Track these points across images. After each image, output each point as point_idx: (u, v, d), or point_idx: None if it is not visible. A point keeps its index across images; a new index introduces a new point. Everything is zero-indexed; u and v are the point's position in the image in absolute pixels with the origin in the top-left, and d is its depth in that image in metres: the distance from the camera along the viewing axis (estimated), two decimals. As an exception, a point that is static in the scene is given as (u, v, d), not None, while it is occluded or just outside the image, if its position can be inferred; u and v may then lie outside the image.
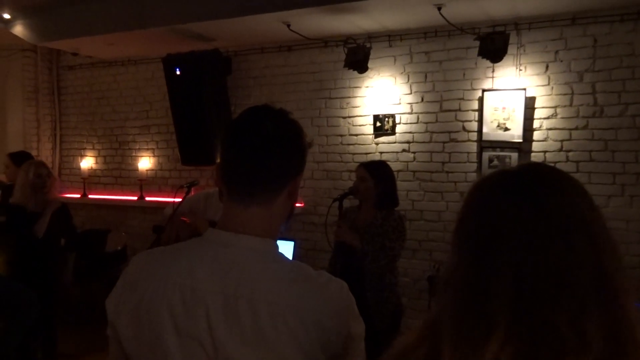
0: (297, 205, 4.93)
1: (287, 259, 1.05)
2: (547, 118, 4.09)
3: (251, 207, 1.04)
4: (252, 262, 0.99)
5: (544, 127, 4.10)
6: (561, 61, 4.03)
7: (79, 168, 6.14)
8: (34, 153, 5.90)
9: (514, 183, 0.73)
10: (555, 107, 4.07)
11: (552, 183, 0.72)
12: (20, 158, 4.33)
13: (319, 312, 0.95)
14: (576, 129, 4.01)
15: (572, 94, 4.01)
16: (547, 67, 4.07)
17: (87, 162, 6.15)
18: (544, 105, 4.10)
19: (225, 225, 1.05)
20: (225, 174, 1.07)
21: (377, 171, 3.17)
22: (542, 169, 0.76)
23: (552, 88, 4.07)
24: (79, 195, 6.07)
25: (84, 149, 6.24)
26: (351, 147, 4.78)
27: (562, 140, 4.05)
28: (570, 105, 4.02)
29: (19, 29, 5.14)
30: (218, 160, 1.11)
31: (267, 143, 1.04)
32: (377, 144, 4.67)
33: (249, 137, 1.05)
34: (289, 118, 1.10)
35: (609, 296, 0.63)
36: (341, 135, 4.83)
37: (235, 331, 0.93)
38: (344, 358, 0.98)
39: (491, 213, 0.71)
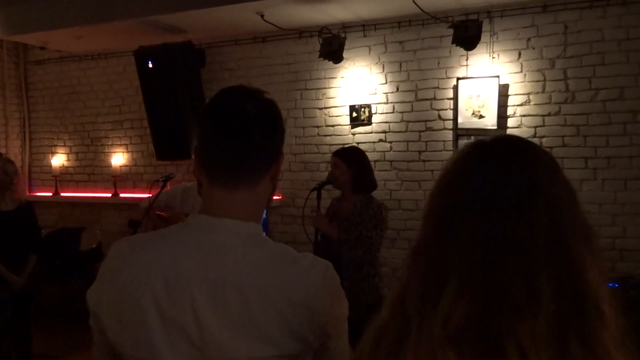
0: (275, 197, 4.93)
1: (271, 242, 1.03)
2: (521, 105, 4.14)
3: (236, 191, 1.01)
4: (237, 246, 0.97)
5: (518, 114, 4.15)
6: (533, 48, 4.08)
7: (50, 165, 5.98)
8: (2, 151, 5.74)
9: (480, 155, 0.75)
10: (528, 94, 4.12)
11: (516, 155, 0.73)
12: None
13: (306, 293, 0.95)
14: (549, 115, 4.07)
15: (545, 80, 4.07)
16: (519, 54, 4.12)
17: (59, 160, 6.00)
18: (517, 92, 4.14)
19: (208, 210, 1.02)
20: (206, 158, 1.04)
21: (347, 155, 3.20)
22: (512, 141, 0.76)
23: (525, 75, 4.12)
24: (50, 194, 5.93)
25: (55, 145, 6.08)
26: (328, 138, 4.77)
27: (535, 127, 4.10)
28: (543, 91, 4.08)
29: (-18, 23, 4.98)
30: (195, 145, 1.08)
31: (249, 124, 1.01)
32: (353, 134, 4.67)
33: (231, 119, 1.01)
34: (267, 98, 1.08)
35: (565, 265, 0.65)
36: (318, 127, 4.81)
37: (223, 317, 0.92)
38: (330, 338, 0.98)
39: (453, 184, 0.74)
